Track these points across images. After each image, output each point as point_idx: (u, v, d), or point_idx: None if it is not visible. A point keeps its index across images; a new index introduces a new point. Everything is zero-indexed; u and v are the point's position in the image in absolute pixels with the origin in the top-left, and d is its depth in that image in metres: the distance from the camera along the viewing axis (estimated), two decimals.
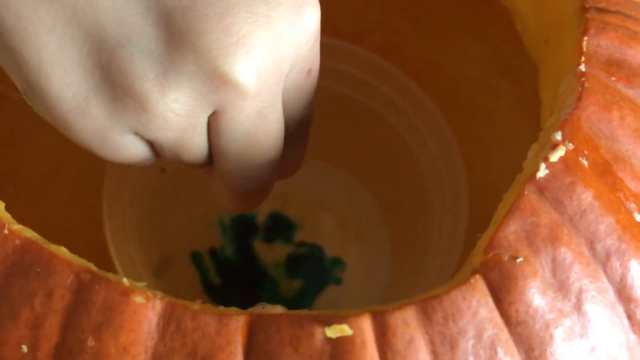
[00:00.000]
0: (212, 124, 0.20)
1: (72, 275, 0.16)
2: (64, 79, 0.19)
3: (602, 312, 0.18)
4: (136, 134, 0.20)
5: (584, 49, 0.20)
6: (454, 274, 0.18)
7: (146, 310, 0.16)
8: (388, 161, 0.38)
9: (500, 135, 0.37)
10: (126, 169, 0.33)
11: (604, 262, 0.18)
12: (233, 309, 0.17)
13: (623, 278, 0.18)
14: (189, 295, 0.36)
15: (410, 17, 0.38)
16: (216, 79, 0.18)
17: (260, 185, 0.23)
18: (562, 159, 0.18)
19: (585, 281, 0.18)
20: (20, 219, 0.35)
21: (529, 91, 0.29)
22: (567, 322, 0.17)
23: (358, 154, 0.40)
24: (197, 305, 0.16)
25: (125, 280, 0.17)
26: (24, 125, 0.35)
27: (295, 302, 0.37)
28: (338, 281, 0.38)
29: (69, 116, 0.19)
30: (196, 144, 0.20)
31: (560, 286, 0.17)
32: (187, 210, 0.38)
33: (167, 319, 0.16)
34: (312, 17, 0.20)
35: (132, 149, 0.20)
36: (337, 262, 0.39)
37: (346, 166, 0.41)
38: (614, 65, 0.20)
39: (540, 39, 0.24)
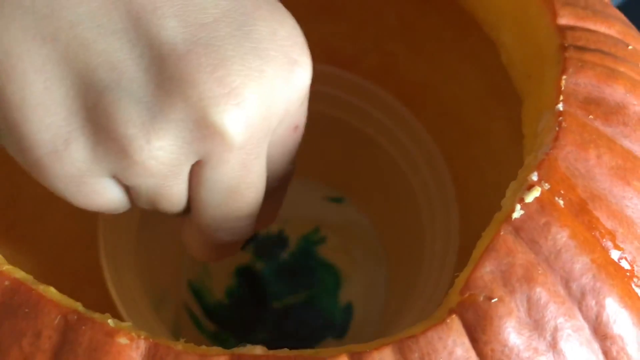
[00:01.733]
0: (194, 173, 0.20)
1: (59, 316, 0.17)
2: (44, 121, 0.18)
3: (577, 349, 0.18)
4: (114, 178, 0.19)
5: (563, 88, 0.21)
6: (444, 296, 0.18)
7: (130, 351, 0.17)
8: (382, 184, 0.39)
9: (494, 156, 0.38)
10: None
11: (580, 300, 0.18)
12: (215, 349, 0.17)
13: (598, 316, 0.18)
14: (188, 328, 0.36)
15: (404, 41, 0.39)
16: (204, 128, 0.18)
17: (236, 238, 0.23)
18: (537, 199, 0.19)
19: (560, 320, 0.18)
20: (21, 241, 0.36)
21: (520, 114, 0.29)
22: None
23: (352, 176, 0.40)
24: (180, 345, 0.17)
25: (110, 322, 0.17)
26: None
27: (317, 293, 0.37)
28: (323, 240, 0.38)
29: (44, 160, 0.19)
30: (176, 193, 0.20)
31: (536, 325, 0.18)
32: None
33: (151, 359, 0.17)
34: (303, 76, 0.20)
35: (108, 195, 0.20)
36: (310, 236, 0.38)
37: (341, 188, 0.41)
38: (592, 104, 0.21)
39: (524, 73, 0.24)
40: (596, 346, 0.18)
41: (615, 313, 0.18)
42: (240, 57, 0.18)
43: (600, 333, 0.18)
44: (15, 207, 0.36)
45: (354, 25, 0.39)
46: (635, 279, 0.19)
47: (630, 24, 0.25)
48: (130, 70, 0.18)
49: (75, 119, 0.18)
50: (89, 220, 0.35)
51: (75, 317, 0.17)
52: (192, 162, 0.19)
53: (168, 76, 0.18)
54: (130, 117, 0.18)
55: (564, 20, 0.23)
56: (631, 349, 0.19)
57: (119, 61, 0.18)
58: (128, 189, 0.20)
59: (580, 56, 0.21)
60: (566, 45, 0.22)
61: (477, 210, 0.35)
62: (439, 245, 0.34)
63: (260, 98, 0.19)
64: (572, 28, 0.22)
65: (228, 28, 0.18)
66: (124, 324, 0.17)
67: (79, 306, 0.18)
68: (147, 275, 0.34)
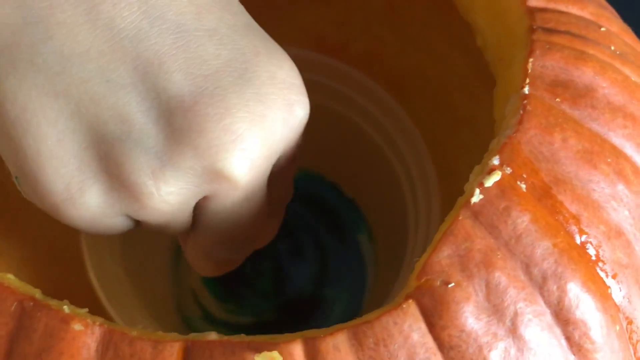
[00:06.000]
0: (200, 203, 0.21)
1: (15, 303, 0.17)
2: (59, 171, 0.19)
3: (538, 334, 0.18)
4: (127, 215, 0.20)
5: (529, 70, 0.21)
6: None
7: (85, 337, 0.17)
8: (368, 170, 0.39)
9: (482, 141, 0.37)
10: None
11: (541, 285, 0.18)
12: (170, 335, 0.17)
13: (560, 301, 0.18)
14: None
15: (391, 26, 0.39)
16: (213, 173, 0.19)
17: (237, 255, 0.24)
18: (497, 183, 0.19)
19: (520, 304, 0.18)
20: (8, 230, 0.36)
21: None
22: (502, 345, 0.18)
23: (339, 162, 0.40)
24: (135, 332, 0.17)
25: (65, 308, 0.17)
26: None
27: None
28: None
29: (61, 206, 0.20)
30: (182, 222, 0.21)
31: (495, 310, 0.18)
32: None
33: (106, 345, 0.17)
34: (300, 115, 0.21)
35: (120, 226, 0.21)
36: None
37: (328, 173, 0.41)
38: (560, 86, 0.20)
39: (496, 56, 0.24)
40: (558, 331, 0.18)
41: (577, 298, 0.18)
42: (244, 104, 0.19)
43: (562, 318, 0.18)
44: (2, 196, 0.36)
45: (341, 11, 0.39)
46: (600, 264, 0.19)
47: (606, 4, 0.25)
48: (139, 122, 0.19)
49: (89, 169, 0.19)
50: None
51: (32, 303, 0.17)
52: (199, 198, 0.20)
53: (177, 127, 0.19)
54: (141, 166, 0.19)
55: (534, 1, 0.22)
56: (595, 333, 0.19)
57: (129, 114, 0.19)
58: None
59: (548, 38, 0.21)
60: (535, 27, 0.21)
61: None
62: (422, 232, 0.34)
63: (263, 141, 0.20)
64: (543, 10, 0.22)
65: (230, 77, 0.19)
66: (79, 311, 0.17)
67: (36, 293, 0.18)
68: (130, 262, 0.34)
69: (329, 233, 0.40)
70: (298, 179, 0.41)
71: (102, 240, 0.32)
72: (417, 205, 0.34)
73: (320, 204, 0.41)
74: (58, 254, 0.36)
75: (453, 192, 0.35)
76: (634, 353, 0.20)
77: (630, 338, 0.20)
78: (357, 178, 0.40)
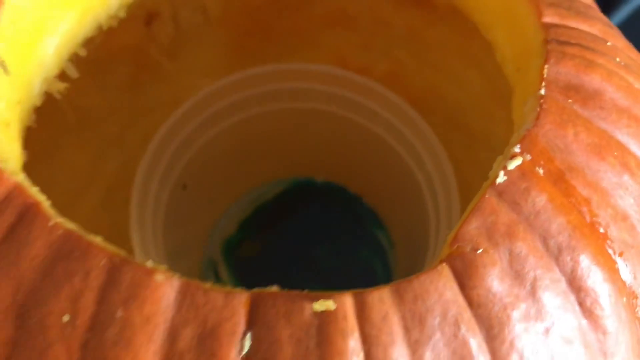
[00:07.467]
0: None
1: (105, 259, 0.20)
2: None
3: (555, 298, 0.21)
4: None
5: (545, 76, 0.24)
6: None
7: (165, 287, 0.19)
8: (390, 180, 0.41)
9: (496, 157, 0.40)
10: (150, 186, 0.37)
11: (557, 255, 0.21)
12: (238, 289, 0.20)
13: (574, 270, 0.21)
14: None
15: (411, 49, 0.42)
16: None
17: None
18: (518, 167, 0.21)
19: (539, 271, 0.20)
20: None
21: None
22: (523, 305, 0.20)
23: (363, 173, 0.43)
24: (207, 285, 0.20)
25: (149, 263, 0.20)
26: (55, 142, 0.38)
27: None
28: None
29: None
30: None
31: (517, 275, 0.20)
32: (207, 226, 0.41)
33: (183, 294, 0.19)
34: None
35: None
36: None
37: (352, 184, 0.44)
38: (572, 90, 0.23)
39: (514, 67, 0.27)
40: (572, 297, 0.21)
41: (588, 268, 0.21)
42: None
43: (576, 286, 0.21)
44: (46, 198, 0.38)
45: (365, 36, 0.42)
46: (608, 241, 0.22)
47: (611, 24, 0.28)
48: None
49: None
50: (119, 210, 0.38)
51: (119, 259, 0.20)
52: None
53: None
54: None
55: (548, 18, 0.25)
56: (604, 301, 0.21)
57: None
58: None
59: (561, 49, 0.24)
60: (549, 39, 0.24)
61: None
62: (442, 236, 0.36)
63: None
64: (556, 25, 0.25)
65: None
66: (160, 266, 0.20)
67: (122, 252, 0.20)
68: (170, 245, 0.36)
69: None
70: (322, 190, 0.43)
71: (147, 223, 0.35)
72: (438, 209, 0.37)
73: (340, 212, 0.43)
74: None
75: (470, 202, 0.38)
76: None
77: (634, 312, 0.22)
78: (380, 190, 0.42)
